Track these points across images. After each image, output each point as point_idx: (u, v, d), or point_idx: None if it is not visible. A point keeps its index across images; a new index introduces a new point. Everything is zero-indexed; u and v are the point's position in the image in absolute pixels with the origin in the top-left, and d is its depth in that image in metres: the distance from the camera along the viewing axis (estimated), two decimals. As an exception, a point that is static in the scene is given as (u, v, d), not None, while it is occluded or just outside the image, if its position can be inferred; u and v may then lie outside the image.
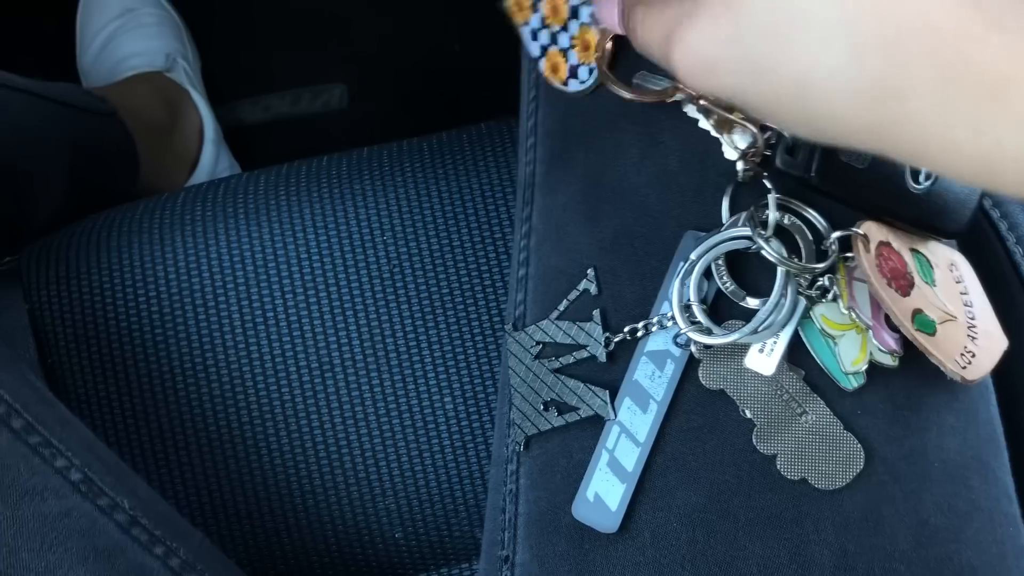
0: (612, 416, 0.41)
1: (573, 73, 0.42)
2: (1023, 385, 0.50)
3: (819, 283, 0.40)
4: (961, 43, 0.27)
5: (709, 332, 0.40)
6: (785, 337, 0.40)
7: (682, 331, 0.40)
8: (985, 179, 0.29)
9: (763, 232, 0.40)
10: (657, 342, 0.41)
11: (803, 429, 0.40)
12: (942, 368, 0.39)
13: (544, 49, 0.43)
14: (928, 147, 0.28)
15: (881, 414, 0.40)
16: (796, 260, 0.40)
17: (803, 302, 0.40)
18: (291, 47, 1.06)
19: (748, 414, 0.40)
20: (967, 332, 0.41)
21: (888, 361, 0.40)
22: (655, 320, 0.42)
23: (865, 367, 0.40)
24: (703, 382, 0.41)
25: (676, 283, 0.41)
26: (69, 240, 0.61)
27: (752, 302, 0.40)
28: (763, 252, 0.40)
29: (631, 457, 0.41)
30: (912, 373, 0.40)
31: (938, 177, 0.40)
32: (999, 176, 0.28)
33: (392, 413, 0.58)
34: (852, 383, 0.40)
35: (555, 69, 0.43)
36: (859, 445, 0.40)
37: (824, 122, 0.30)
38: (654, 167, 0.44)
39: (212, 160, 0.95)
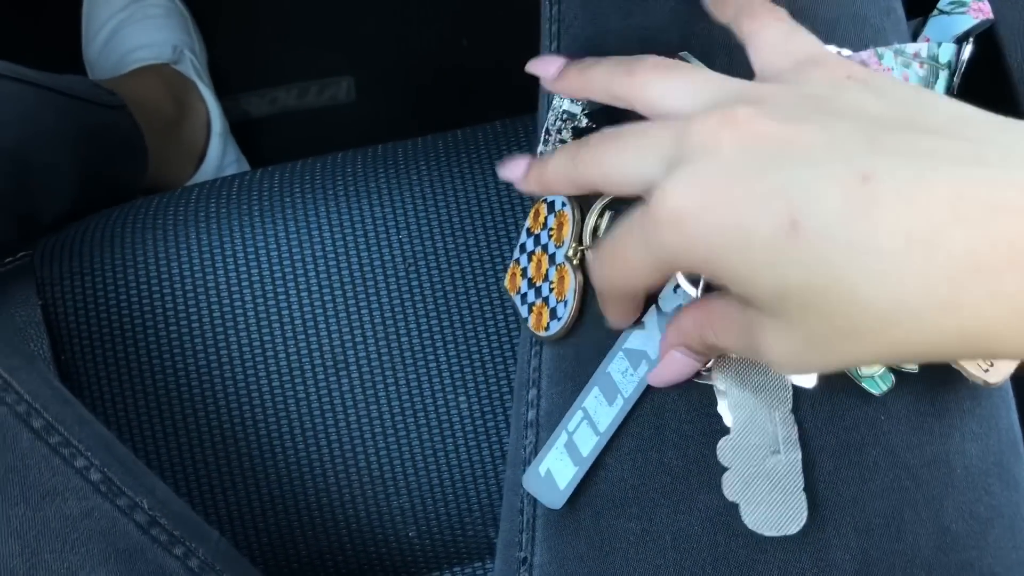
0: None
1: (552, 315, 0.44)
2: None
3: None
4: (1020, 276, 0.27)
5: None
6: None
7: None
8: None
9: None
10: (636, 341, 0.42)
11: (766, 465, 0.40)
12: (965, 374, 0.39)
13: (531, 307, 0.46)
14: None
15: (904, 419, 0.40)
16: None
17: None
18: (298, 39, 1.05)
19: (728, 420, 0.40)
20: None
21: (907, 367, 0.40)
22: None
23: (881, 371, 0.40)
24: (714, 379, 0.41)
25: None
26: (83, 235, 0.60)
27: None
28: None
29: (588, 444, 0.42)
30: (936, 379, 0.40)
31: None
32: None
33: (407, 412, 0.58)
34: (880, 387, 0.40)
35: (539, 318, 0.45)
36: (806, 512, 0.39)
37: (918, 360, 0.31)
38: None
39: (219, 153, 0.95)
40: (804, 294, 0.29)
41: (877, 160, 0.29)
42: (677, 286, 0.41)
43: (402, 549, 0.59)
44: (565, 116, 0.46)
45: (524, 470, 0.45)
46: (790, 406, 0.40)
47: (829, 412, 0.40)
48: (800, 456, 0.40)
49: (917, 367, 0.39)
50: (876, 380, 0.40)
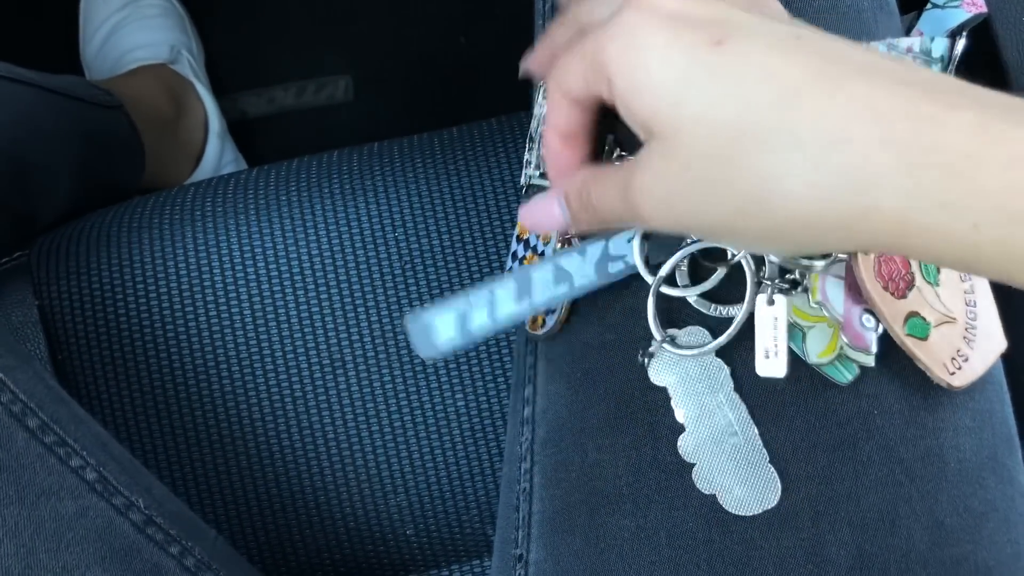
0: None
1: (546, 312, 0.45)
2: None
3: (790, 276, 0.40)
4: (916, 125, 0.27)
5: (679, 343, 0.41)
6: (783, 338, 0.40)
7: (657, 341, 0.41)
8: (972, 265, 0.28)
9: None
10: (570, 263, 0.42)
11: (729, 447, 0.40)
12: (928, 374, 0.39)
13: None
14: (906, 238, 0.28)
15: (898, 414, 0.40)
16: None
17: (784, 303, 0.40)
18: (295, 39, 1.05)
19: (680, 417, 0.41)
20: (964, 334, 0.41)
21: (862, 359, 0.40)
22: None
23: (833, 358, 0.40)
24: (652, 378, 0.41)
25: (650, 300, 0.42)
26: (79, 235, 0.60)
27: (723, 310, 0.41)
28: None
29: (480, 324, 0.42)
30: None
31: None
32: (983, 263, 0.28)
33: (404, 410, 0.58)
34: (845, 376, 0.40)
35: (534, 318, 0.45)
36: (779, 482, 0.40)
37: (792, 232, 0.30)
38: None
39: (217, 153, 0.95)
40: (704, 96, 0.30)
41: (809, 28, 0.31)
42: (631, 238, 0.42)
43: (400, 547, 0.59)
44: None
45: (525, 466, 0.45)
46: (731, 386, 0.41)
47: (823, 408, 0.40)
48: (757, 431, 0.40)
49: (872, 359, 0.40)
50: (838, 367, 0.40)
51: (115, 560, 0.43)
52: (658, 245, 0.42)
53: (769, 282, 0.40)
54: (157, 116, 0.87)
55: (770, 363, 0.40)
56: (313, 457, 0.58)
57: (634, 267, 0.42)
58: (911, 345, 0.39)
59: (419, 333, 0.42)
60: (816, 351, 0.40)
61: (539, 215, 0.39)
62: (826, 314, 0.40)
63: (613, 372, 0.43)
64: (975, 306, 0.42)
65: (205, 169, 0.94)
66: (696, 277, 0.42)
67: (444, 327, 0.42)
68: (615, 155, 0.43)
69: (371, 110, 1.04)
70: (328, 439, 0.58)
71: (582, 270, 0.42)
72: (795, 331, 0.40)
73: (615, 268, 0.42)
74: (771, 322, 0.40)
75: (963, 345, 0.40)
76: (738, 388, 0.41)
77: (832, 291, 0.40)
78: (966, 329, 0.41)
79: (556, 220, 0.38)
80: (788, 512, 0.40)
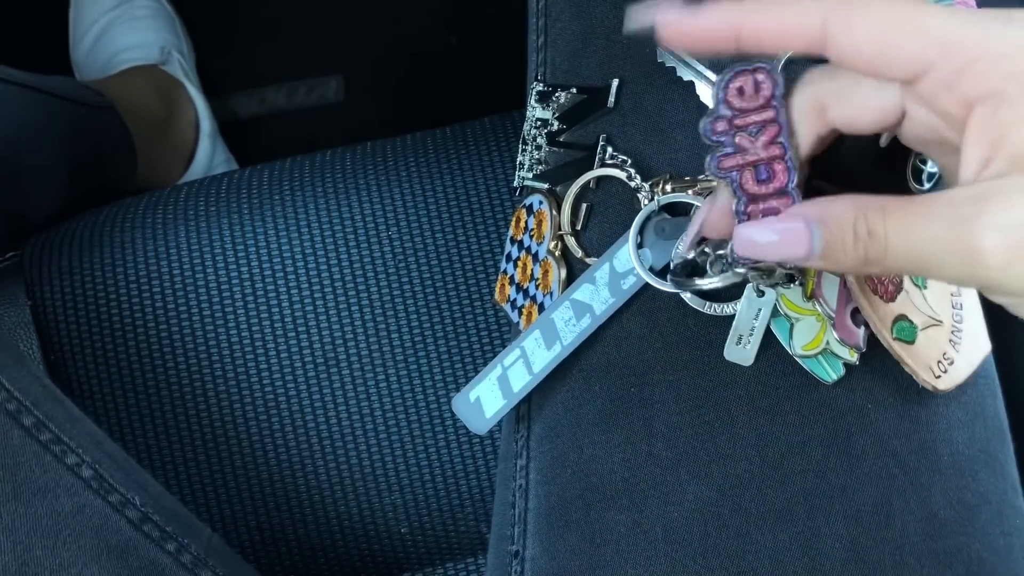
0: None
1: (540, 310, 0.45)
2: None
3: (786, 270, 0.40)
4: None
5: None
6: (760, 328, 0.40)
7: None
8: None
9: None
10: (584, 294, 0.43)
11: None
12: (915, 377, 0.39)
13: (521, 310, 0.47)
14: None
15: (891, 408, 0.41)
16: None
17: (773, 295, 0.40)
18: (286, 39, 1.05)
19: None
20: (950, 337, 0.41)
21: (846, 355, 0.40)
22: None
23: (817, 352, 0.40)
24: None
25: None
26: (72, 235, 0.60)
27: (718, 308, 0.41)
28: None
29: (520, 381, 0.43)
30: (922, 367, 0.41)
31: (941, 178, 0.40)
32: None
33: (398, 408, 0.58)
34: (830, 375, 0.40)
35: (528, 318, 0.46)
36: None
37: None
38: None
39: (208, 154, 0.95)
40: None
41: None
42: (640, 244, 0.42)
43: (394, 545, 0.59)
44: (538, 123, 0.46)
45: (520, 463, 0.46)
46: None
47: (817, 402, 0.41)
48: None
49: (856, 357, 0.40)
50: (821, 363, 0.40)
51: (112, 557, 0.43)
52: (658, 250, 0.42)
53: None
54: (148, 117, 0.87)
55: (740, 349, 0.41)
56: (307, 455, 0.58)
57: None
58: (898, 349, 0.39)
59: (468, 412, 0.44)
60: (801, 343, 0.40)
61: (772, 239, 0.31)
62: (818, 309, 0.40)
63: (608, 368, 0.43)
64: (961, 308, 0.42)
65: (196, 170, 0.94)
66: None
67: (490, 398, 0.44)
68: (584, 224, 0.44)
69: (362, 111, 1.04)
70: (322, 437, 0.58)
71: (598, 296, 0.42)
72: (783, 321, 0.40)
73: (628, 283, 0.42)
74: (754, 311, 0.40)
75: (949, 348, 0.41)
76: (733, 383, 0.41)
77: (827, 287, 0.40)
78: (952, 332, 0.41)
79: (801, 249, 0.30)
80: (783, 506, 0.40)
